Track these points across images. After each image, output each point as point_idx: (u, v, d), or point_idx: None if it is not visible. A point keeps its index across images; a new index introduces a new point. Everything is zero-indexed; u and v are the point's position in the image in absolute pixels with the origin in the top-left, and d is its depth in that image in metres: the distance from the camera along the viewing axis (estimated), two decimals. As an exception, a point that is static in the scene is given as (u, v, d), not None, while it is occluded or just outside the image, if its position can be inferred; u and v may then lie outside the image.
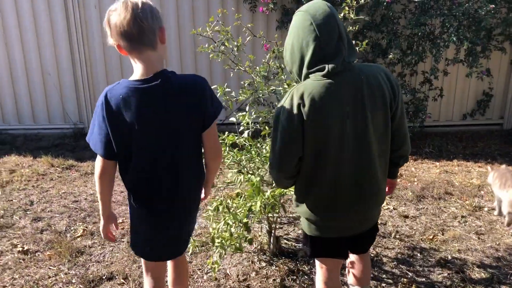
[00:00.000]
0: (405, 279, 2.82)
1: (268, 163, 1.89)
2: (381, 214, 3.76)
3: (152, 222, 1.87)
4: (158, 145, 1.72)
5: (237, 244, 2.45)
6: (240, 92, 2.92)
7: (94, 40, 6.06)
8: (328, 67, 1.68)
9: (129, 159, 1.72)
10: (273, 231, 3.03)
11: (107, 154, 1.69)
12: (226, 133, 2.83)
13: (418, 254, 3.15)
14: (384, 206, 3.95)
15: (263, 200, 2.53)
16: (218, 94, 2.95)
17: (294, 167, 1.82)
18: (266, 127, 2.76)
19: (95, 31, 6.01)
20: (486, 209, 3.86)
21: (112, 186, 1.83)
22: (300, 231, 3.43)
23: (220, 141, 2.62)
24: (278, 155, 1.80)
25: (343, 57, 1.71)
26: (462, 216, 3.73)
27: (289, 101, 1.73)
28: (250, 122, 2.91)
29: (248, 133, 2.93)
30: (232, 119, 2.98)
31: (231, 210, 2.61)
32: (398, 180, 4.31)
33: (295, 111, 1.70)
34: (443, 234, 3.43)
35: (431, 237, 3.38)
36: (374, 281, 2.81)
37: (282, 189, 2.47)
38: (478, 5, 4.87)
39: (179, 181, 1.79)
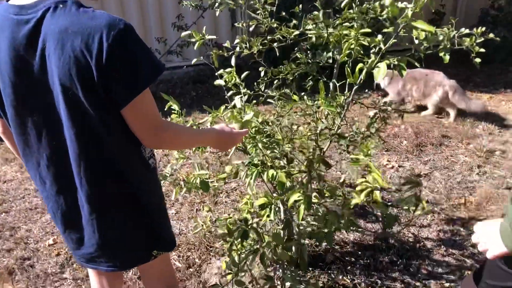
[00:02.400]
0: (469, 272, 2.18)
1: None
2: (386, 175, 3.07)
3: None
4: (27, 107, 1.15)
5: None
6: (239, 41, 1.83)
7: None
8: None
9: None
10: None
11: None
12: (222, 108, 1.81)
13: (461, 229, 2.52)
14: (385, 163, 3.25)
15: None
16: (196, 46, 1.85)
17: None
18: (295, 97, 1.75)
19: None
20: (497, 152, 3.35)
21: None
22: None
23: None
24: None
25: None
26: (478, 166, 3.17)
27: None
28: (242, 84, 1.93)
29: (241, 99, 1.95)
30: (219, 81, 1.94)
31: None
32: (387, 128, 3.61)
33: None
34: (470, 194, 2.84)
35: (462, 201, 2.77)
36: (433, 280, 2.13)
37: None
38: None
39: (53, 166, 1.20)
